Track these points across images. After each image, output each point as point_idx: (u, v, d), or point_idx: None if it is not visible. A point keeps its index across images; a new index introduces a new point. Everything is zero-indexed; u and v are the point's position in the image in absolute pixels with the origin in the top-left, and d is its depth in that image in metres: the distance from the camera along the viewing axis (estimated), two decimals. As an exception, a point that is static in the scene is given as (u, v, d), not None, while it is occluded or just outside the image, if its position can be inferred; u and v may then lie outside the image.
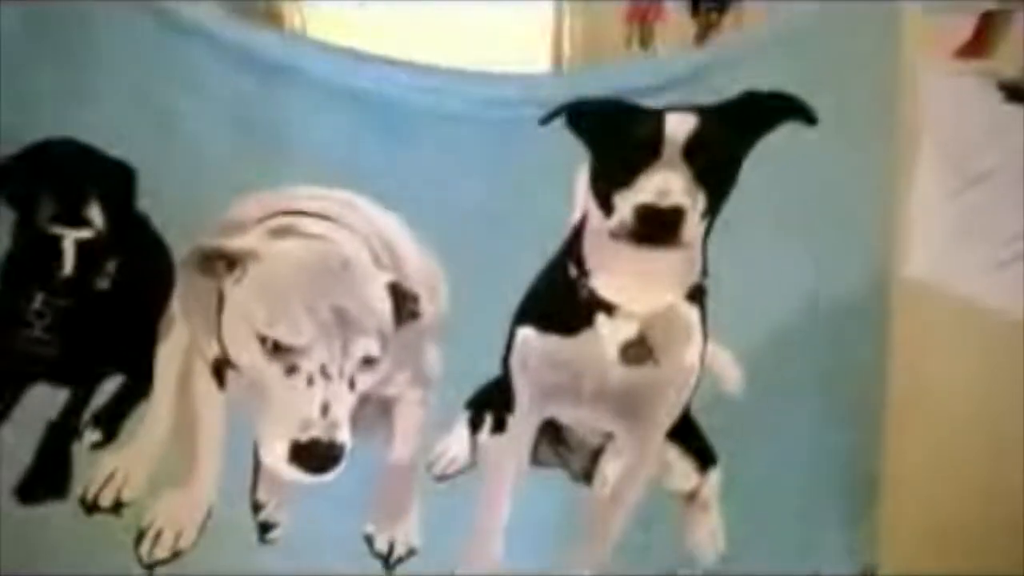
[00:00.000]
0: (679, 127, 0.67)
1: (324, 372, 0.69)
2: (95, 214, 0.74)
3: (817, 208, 0.73)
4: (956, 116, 0.70)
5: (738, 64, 0.70)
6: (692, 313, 0.72)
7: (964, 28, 0.75)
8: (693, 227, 0.68)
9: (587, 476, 0.77)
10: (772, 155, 0.70)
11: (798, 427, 0.75)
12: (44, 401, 0.75)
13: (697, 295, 0.72)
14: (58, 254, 0.74)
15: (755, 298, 0.74)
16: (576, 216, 0.72)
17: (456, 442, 0.77)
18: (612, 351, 0.72)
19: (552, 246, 0.73)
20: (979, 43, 0.73)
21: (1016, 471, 0.76)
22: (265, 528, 0.75)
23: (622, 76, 0.71)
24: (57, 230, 0.74)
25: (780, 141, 0.70)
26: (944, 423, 0.75)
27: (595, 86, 0.70)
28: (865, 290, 0.74)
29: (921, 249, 0.71)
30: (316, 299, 0.69)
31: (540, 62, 0.88)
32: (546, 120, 0.69)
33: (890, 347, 0.73)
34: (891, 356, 0.72)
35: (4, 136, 0.70)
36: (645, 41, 0.94)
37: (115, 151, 0.71)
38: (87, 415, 0.76)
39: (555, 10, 0.90)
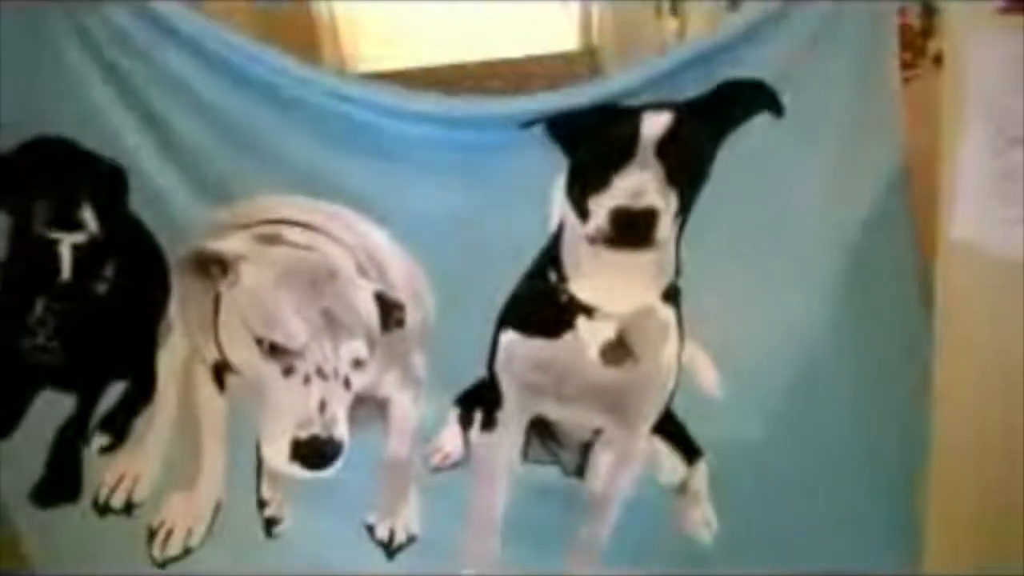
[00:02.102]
0: (653, 124, 0.67)
1: (320, 372, 0.71)
2: (88, 217, 0.75)
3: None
4: (1000, 74, 0.66)
5: (712, 59, 0.69)
6: (668, 313, 0.74)
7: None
8: (666, 227, 0.69)
9: (579, 471, 0.80)
10: (745, 152, 0.71)
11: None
12: (52, 408, 0.78)
13: (672, 295, 0.73)
14: (55, 259, 0.76)
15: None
16: (554, 223, 0.73)
17: (449, 438, 0.79)
18: (593, 352, 0.74)
19: (532, 253, 0.74)
20: None
21: None
22: (271, 523, 0.79)
23: (601, 87, 0.71)
24: (53, 234, 0.75)
25: (755, 139, 0.70)
26: (990, 383, 0.72)
27: (576, 98, 0.70)
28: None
29: (965, 212, 0.68)
30: (306, 303, 0.71)
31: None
32: (528, 124, 0.69)
33: (936, 307, 0.73)
34: (937, 315, 0.73)
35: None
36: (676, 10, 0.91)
37: (105, 153, 0.72)
38: (94, 420, 0.79)
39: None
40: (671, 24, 1.25)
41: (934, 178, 0.70)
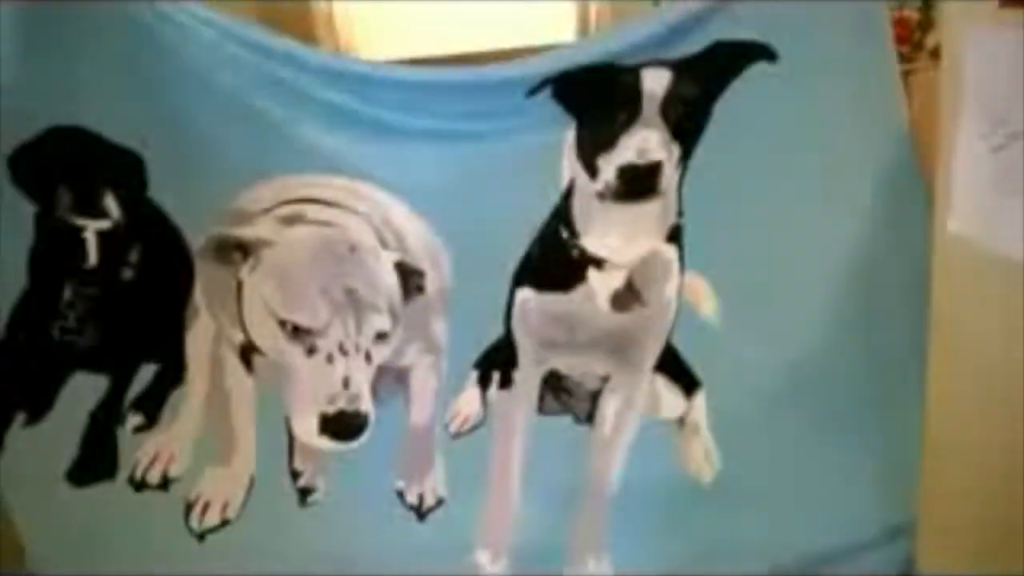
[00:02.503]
0: (655, 84, 0.71)
1: (342, 349, 0.74)
2: (111, 204, 0.77)
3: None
4: (999, 68, 0.66)
5: (709, 18, 0.72)
6: (671, 251, 0.77)
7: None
8: (669, 177, 0.73)
9: (589, 417, 0.83)
10: (742, 97, 0.74)
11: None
12: (85, 390, 0.80)
13: (675, 234, 0.77)
14: (81, 245, 0.77)
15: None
16: (564, 183, 0.77)
17: (468, 401, 0.83)
18: (604, 301, 0.77)
19: (544, 213, 0.78)
20: None
21: None
22: (305, 493, 0.82)
23: (599, 44, 0.74)
24: (78, 221, 0.77)
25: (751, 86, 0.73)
26: (982, 372, 0.73)
27: (576, 57, 0.73)
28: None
29: (963, 205, 0.70)
30: (329, 282, 0.74)
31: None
32: (532, 92, 0.73)
33: (930, 297, 0.74)
34: (931, 307, 0.73)
35: (15, 124, 0.72)
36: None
37: (124, 142, 0.74)
38: (127, 401, 0.81)
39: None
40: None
41: (932, 172, 0.72)
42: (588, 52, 0.74)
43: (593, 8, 0.90)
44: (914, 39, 0.82)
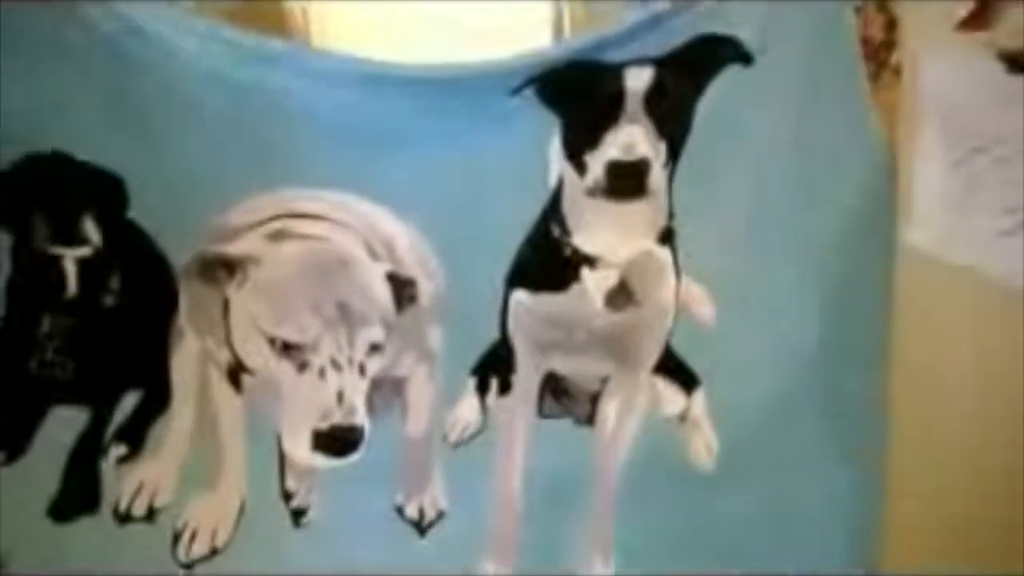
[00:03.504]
0: (638, 81, 0.72)
1: (334, 363, 0.72)
2: (91, 230, 0.75)
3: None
4: (958, 88, 0.72)
5: (687, 12, 0.73)
6: (665, 254, 0.78)
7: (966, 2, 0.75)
8: (658, 176, 0.73)
9: (590, 419, 0.83)
10: (721, 100, 0.75)
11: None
12: (65, 423, 0.77)
13: (668, 237, 0.77)
14: (60, 274, 0.76)
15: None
16: (553, 182, 0.77)
17: (466, 409, 0.81)
18: (598, 300, 0.77)
19: (534, 214, 0.78)
20: (981, 16, 0.73)
21: (1011, 439, 0.77)
22: (298, 514, 0.79)
23: (581, 41, 0.75)
24: (56, 250, 0.75)
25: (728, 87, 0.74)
26: (942, 386, 0.78)
27: (559, 53, 0.74)
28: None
29: (924, 218, 0.73)
30: (319, 296, 0.73)
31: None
32: (516, 91, 0.73)
33: (893, 309, 0.77)
34: (893, 318, 0.76)
35: None
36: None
37: (100, 163, 0.72)
38: (110, 431, 0.79)
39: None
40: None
41: (895, 185, 0.75)
42: (571, 48, 0.75)
43: (567, 10, 0.91)
44: (879, 58, 0.84)
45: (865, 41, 0.80)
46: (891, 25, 0.84)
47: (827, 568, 0.81)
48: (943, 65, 0.73)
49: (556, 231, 0.77)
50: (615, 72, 0.72)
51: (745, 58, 0.74)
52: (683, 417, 0.82)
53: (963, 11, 0.72)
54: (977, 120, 0.73)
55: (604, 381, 0.82)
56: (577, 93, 0.73)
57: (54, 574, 0.76)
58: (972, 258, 0.71)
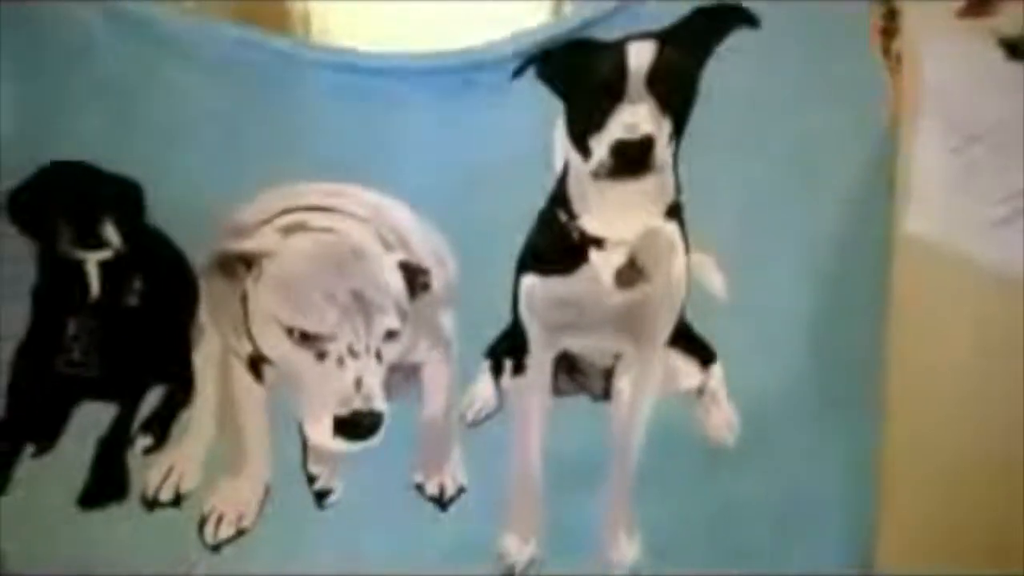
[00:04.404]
0: (640, 57, 0.72)
1: (352, 351, 0.75)
2: (111, 233, 0.77)
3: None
4: (956, 74, 0.72)
5: None
6: (673, 229, 0.79)
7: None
8: (662, 152, 0.75)
9: (606, 394, 0.84)
10: (726, 69, 0.75)
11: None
12: (93, 417, 0.79)
13: (675, 212, 0.78)
14: (84, 278, 0.78)
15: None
16: (559, 166, 0.78)
17: (482, 390, 0.83)
18: (607, 279, 0.79)
19: (542, 198, 0.79)
20: (983, 2, 0.74)
21: (1009, 428, 0.77)
22: (322, 496, 0.81)
23: (577, 17, 0.75)
24: (79, 254, 0.77)
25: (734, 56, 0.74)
26: (939, 378, 0.77)
27: (557, 30, 0.74)
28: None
29: (921, 206, 0.73)
30: (335, 287, 0.75)
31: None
32: (517, 73, 0.74)
33: (888, 297, 0.76)
34: (889, 308, 0.76)
35: (11, 163, 0.72)
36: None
37: (118, 169, 0.74)
38: (136, 424, 0.81)
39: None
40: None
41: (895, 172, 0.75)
42: (570, 26, 0.74)
43: (567, 5, 0.92)
44: (882, 46, 0.85)
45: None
46: (892, 14, 0.85)
47: (826, 568, 0.80)
48: (944, 52, 0.73)
49: (563, 216, 0.78)
50: (617, 49, 0.73)
51: (750, 20, 0.73)
52: (701, 391, 0.83)
53: (964, -2, 0.73)
54: (976, 107, 0.73)
55: (617, 357, 0.83)
56: (580, 73, 0.74)
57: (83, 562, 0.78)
58: (968, 243, 0.72)
